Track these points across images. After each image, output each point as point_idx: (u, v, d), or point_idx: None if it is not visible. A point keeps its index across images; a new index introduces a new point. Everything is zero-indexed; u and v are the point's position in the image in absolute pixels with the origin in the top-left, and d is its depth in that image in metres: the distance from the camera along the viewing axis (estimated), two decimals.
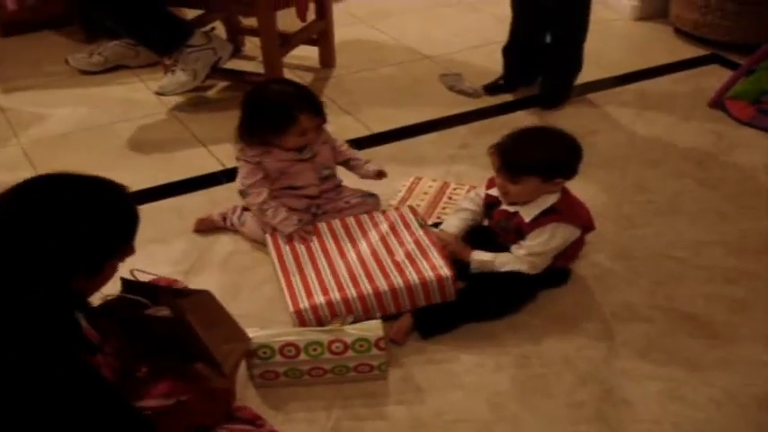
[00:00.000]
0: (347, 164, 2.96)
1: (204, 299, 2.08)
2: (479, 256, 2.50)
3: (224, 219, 2.90)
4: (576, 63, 3.87)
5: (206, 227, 2.92)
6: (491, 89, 4.03)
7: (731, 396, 2.21)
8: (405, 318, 2.43)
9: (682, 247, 2.82)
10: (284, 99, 2.69)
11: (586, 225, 2.54)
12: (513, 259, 2.47)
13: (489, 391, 2.25)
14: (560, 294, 2.60)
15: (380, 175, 2.93)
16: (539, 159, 2.40)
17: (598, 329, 2.46)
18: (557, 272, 2.59)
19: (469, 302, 2.46)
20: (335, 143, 2.92)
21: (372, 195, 2.95)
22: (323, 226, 2.73)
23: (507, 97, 3.93)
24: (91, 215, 1.73)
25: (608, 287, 2.63)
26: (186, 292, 2.11)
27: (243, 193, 2.77)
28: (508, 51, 4.02)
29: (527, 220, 2.45)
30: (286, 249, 2.63)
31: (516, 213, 2.48)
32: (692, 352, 2.37)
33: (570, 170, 2.46)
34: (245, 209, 2.86)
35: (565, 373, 2.30)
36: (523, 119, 3.64)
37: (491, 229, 2.63)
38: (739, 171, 3.27)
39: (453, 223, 2.66)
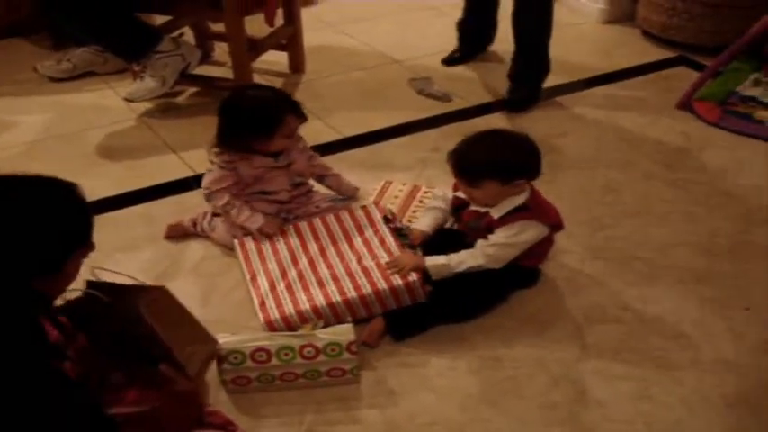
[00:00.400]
0: (322, 180, 3.01)
1: (162, 296, 2.06)
2: (434, 261, 2.48)
3: (194, 224, 2.89)
4: (542, 66, 3.91)
5: (177, 233, 2.90)
6: (448, 61, 4.33)
7: (702, 396, 2.23)
8: (377, 321, 2.43)
9: (651, 247, 2.84)
10: (267, 103, 2.71)
11: (555, 224, 2.55)
12: (470, 256, 2.46)
13: (462, 394, 2.25)
14: (531, 296, 2.61)
15: (357, 190, 3.06)
16: (491, 163, 2.40)
17: (569, 331, 2.47)
18: (526, 272, 2.60)
19: (440, 304, 2.46)
20: (311, 153, 2.95)
21: (343, 199, 2.97)
22: (290, 228, 2.73)
23: (477, 100, 3.95)
24: (43, 214, 1.71)
25: (578, 288, 2.65)
26: (144, 288, 2.08)
27: (208, 197, 2.77)
28: (462, 25, 4.30)
29: (496, 217, 2.45)
30: (254, 256, 2.63)
31: (486, 213, 2.48)
32: (663, 352, 2.39)
33: (529, 170, 2.45)
34: (216, 214, 2.86)
35: (537, 375, 2.31)
36: (494, 121, 3.65)
37: (461, 230, 2.64)
38: (708, 172, 3.29)
39: (425, 222, 2.67)
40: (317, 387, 2.24)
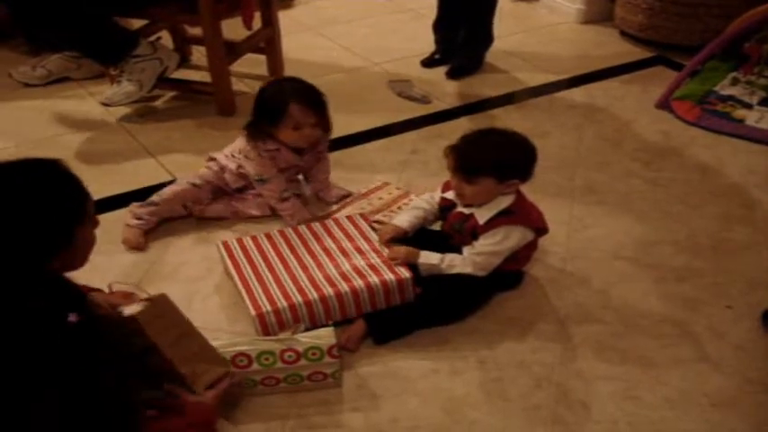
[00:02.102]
0: (313, 178, 3.11)
1: (165, 307, 2.05)
2: (427, 259, 2.48)
3: (139, 218, 2.88)
4: (484, 38, 4.23)
5: (138, 241, 2.85)
6: (428, 63, 4.36)
7: (685, 395, 2.23)
8: (357, 324, 2.41)
9: (632, 247, 2.84)
10: (278, 91, 2.82)
11: (540, 227, 2.55)
12: (461, 261, 2.47)
13: (445, 397, 2.24)
14: (514, 297, 2.60)
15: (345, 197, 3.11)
16: (494, 160, 2.40)
17: (552, 331, 2.47)
18: (510, 275, 2.60)
19: (423, 308, 2.45)
20: (324, 149, 3.06)
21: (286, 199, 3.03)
22: (275, 234, 2.71)
23: (457, 102, 3.95)
24: (32, 195, 1.73)
25: (561, 289, 2.64)
26: (146, 300, 2.07)
27: (261, 181, 2.89)
28: (437, 26, 4.35)
29: (481, 222, 2.45)
30: (241, 257, 2.61)
31: (471, 215, 2.48)
32: (646, 351, 2.38)
33: (525, 171, 2.47)
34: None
35: (520, 377, 2.30)
36: (474, 123, 3.65)
37: (445, 231, 2.63)
38: (688, 171, 3.30)
39: (404, 218, 2.67)
40: (298, 391, 2.23)
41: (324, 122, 2.87)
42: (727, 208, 3.05)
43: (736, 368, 2.32)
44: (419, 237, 2.65)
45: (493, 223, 2.45)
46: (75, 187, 1.85)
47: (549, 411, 2.19)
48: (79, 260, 1.86)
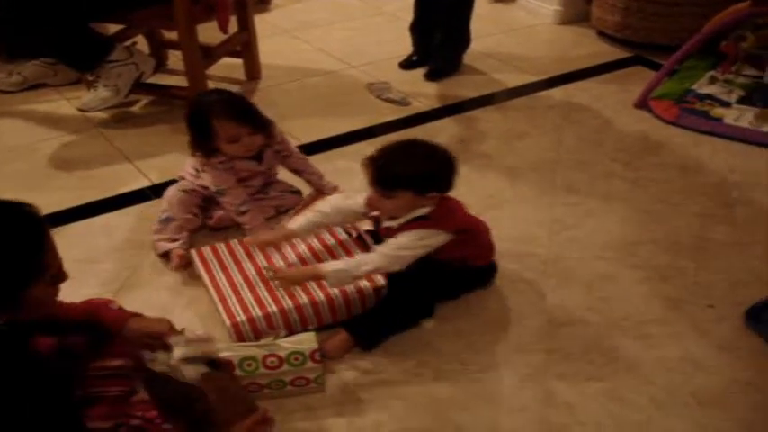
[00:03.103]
0: (300, 174, 3.06)
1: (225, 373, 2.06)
2: (332, 267, 2.41)
3: (173, 240, 2.80)
4: (462, 40, 4.27)
5: (179, 259, 2.75)
6: (406, 65, 4.39)
7: (671, 395, 2.22)
8: (341, 336, 2.38)
9: (614, 247, 2.83)
10: (199, 109, 2.75)
11: (460, 228, 2.48)
12: (368, 258, 2.41)
13: (429, 399, 2.23)
14: (496, 299, 2.59)
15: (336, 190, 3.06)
16: (411, 173, 2.36)
17: (535, 333, 2.46)
18: (476, 270, 2.59)
19: (395, 304, 2.43)
20: (285, 153, 3.00)
21: (295, 192, 3.05)
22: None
23: (435, 104, 3.95)
24: None
25: (543, 290, 2.63)
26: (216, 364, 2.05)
27: (219, 193, 2.82)
28: (414, 28, 4.36)
29: (395, 226, 2.44)
30: (215, 266, 2.60)
31: (393, 228, 2.47)
32: (630, 351, 2.38)
33: (444, 183, 2.42)
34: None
35: (504, 379, 2.29)
36: (451, 125, 3.65)
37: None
38: (668, 170, 3.30)
39: (298, 221, 2.64)
40: (282, 397, 2.21)
41: (260, 127, 2.78)
42: (707, 207, 3.05)
43: (721, 367, 2.32)
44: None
45: (406, 227, 2.42)
46: (31, 243, 1.60)
47: (535, 413, 2.18)
48: (31, 316, 1.68)
